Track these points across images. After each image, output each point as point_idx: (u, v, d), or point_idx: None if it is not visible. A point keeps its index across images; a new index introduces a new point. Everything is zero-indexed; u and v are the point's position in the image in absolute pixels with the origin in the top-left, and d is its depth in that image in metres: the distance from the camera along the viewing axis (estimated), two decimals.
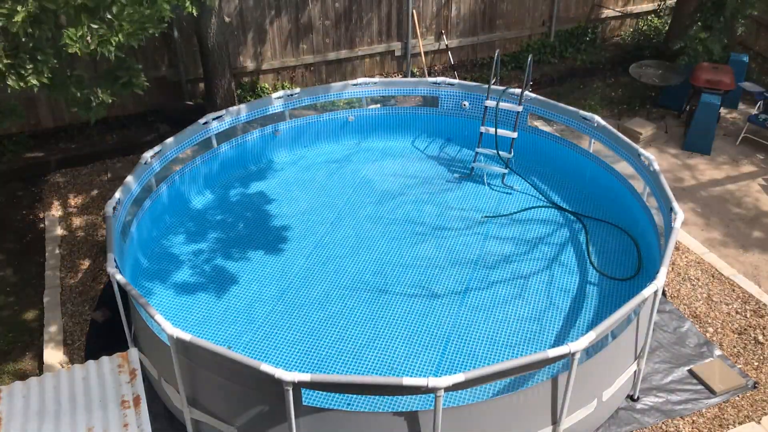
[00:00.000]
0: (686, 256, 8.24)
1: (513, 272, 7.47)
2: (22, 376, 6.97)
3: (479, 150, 8.83)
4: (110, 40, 5.32)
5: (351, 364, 6.47)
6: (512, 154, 8.68)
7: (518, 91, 8.69)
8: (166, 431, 6.35)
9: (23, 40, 5.32)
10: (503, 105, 8.67)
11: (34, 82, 5.46)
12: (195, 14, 6.55)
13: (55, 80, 5.95)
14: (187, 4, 6.25)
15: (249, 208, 8.42)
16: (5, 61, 5.30)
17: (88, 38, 5.25)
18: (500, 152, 8.66)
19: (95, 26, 5.26)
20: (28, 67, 5.39)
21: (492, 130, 8.67)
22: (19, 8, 4.99)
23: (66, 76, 6.16)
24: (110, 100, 6.50)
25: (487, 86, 8.88)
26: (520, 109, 8.58)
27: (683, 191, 9.41)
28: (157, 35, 6.04)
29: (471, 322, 6.88)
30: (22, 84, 5.43)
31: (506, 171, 8.74)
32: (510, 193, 8.62)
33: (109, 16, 5.33)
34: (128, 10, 5.36)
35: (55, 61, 5.58)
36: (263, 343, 6.69)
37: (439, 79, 9.25)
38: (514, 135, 8.58)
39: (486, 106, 8.79)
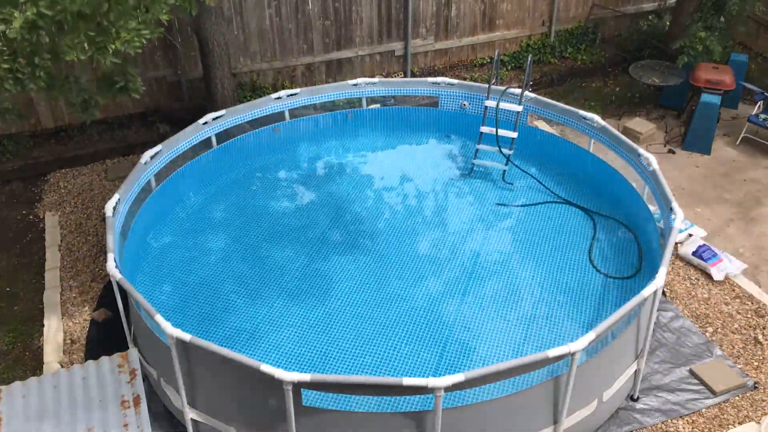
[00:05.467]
0: None
1: (514, 270, 7.46)
2: (22, 376, 6.97)
3: (479, 147, 8.83)
4: (107, 48, 5.31)
5: (351, 363, 6.47)
6: (512, 151, 8.68)
7: (518, 91, 8.69)
8: (166, 431, 6.35)
9: (22, 45, 5.32)
10: (503, 105, 8.68)
11: (32, 86, 5.48)
12: (193, 14, 6.55)
13: (53, 81, 5.95)
14: (187, 5, 6.25)
15: (248, 205, 8.42)
16: (3, 66, 5.30)
17: (85, 45, 5.24)
18: (501, 149, 8.67)
19: (92, 33, 5.25)
20: (25, 71, 5.39)
21: (492, 129, 8.68)
22: (17, 14, 4.99)
23: (63, 78, 6.16)
24: (103, 101, 6.51)
25: (487, 86, 8.88)
26: (520, 108, 8.58)
27: (683, 191, 9.40)
28: (152, 38, 6.01)
29: (471, 321, 6.88)
30: (19, 88, 5.44)
31: (506, 167, 8.74)
32: (511, 189, 8.62)
33: (105, 23, 5.31)
34: (126, 17, 5.34)
35: (52, 65, 5.58)
36: (263, 342, 6.68)
37: (439, 79, 9.25)
38: (514, 135, 8.58)
39: (486, 106, 8.79)
